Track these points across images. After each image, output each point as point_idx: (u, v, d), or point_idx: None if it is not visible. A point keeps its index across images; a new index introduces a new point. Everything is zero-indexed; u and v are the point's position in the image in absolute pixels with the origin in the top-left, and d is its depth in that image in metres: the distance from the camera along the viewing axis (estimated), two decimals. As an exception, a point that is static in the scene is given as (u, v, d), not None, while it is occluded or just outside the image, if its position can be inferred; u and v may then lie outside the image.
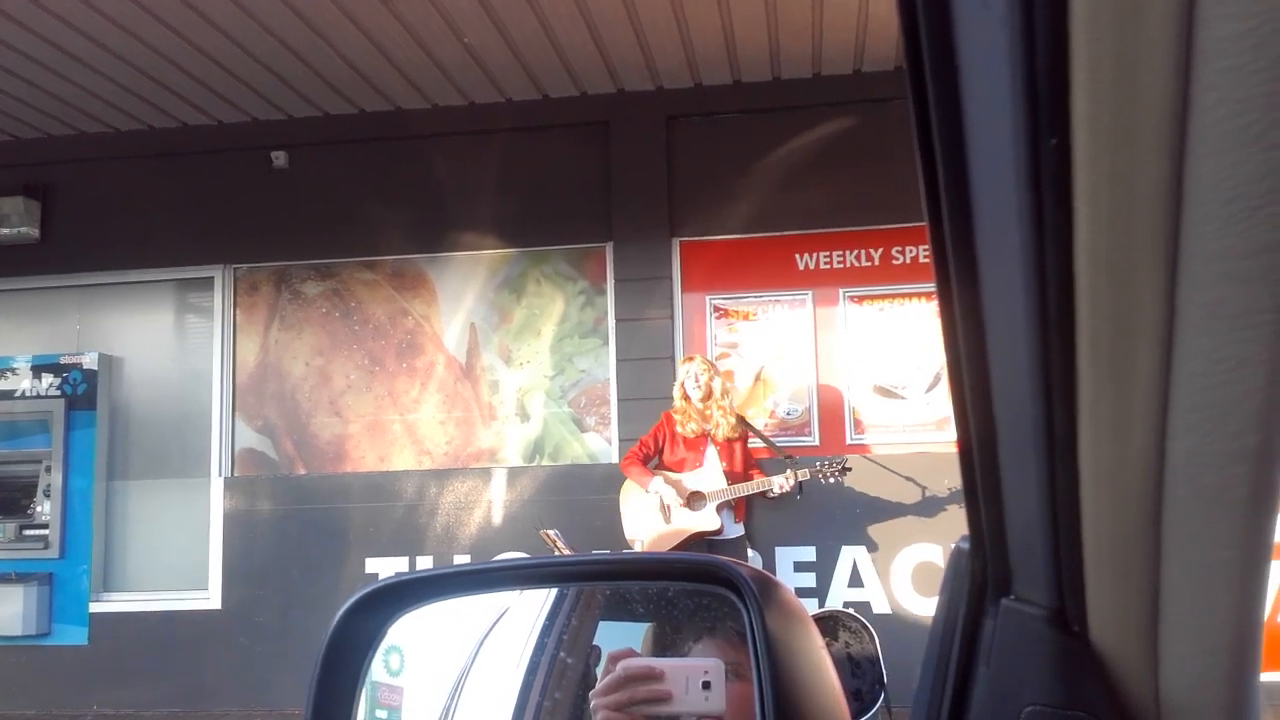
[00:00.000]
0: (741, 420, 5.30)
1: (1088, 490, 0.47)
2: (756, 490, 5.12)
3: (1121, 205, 0.39)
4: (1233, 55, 0.35)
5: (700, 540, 5.05)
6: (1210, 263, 0.39)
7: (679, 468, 5.18)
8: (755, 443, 5.41)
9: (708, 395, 5.20)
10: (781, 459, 5.24)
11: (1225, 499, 0.44)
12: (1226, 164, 0.37)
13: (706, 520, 5.05)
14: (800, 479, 5.04)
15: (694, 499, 5.09)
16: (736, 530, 5.19)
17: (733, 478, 5.12)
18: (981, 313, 0.49)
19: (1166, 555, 0.47)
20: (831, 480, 5.16)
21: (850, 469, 5.22)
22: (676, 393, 5.32)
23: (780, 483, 5.03)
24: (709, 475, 5.11)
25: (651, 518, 5.16)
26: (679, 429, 5.23)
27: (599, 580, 1.03)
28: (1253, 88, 0.35)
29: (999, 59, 0.40)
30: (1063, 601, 0.52)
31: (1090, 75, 0.37)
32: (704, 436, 5.18)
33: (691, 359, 5.33)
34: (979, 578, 0.58)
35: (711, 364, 5.34)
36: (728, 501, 5.11)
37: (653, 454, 5.30)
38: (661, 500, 5.11)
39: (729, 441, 5.18)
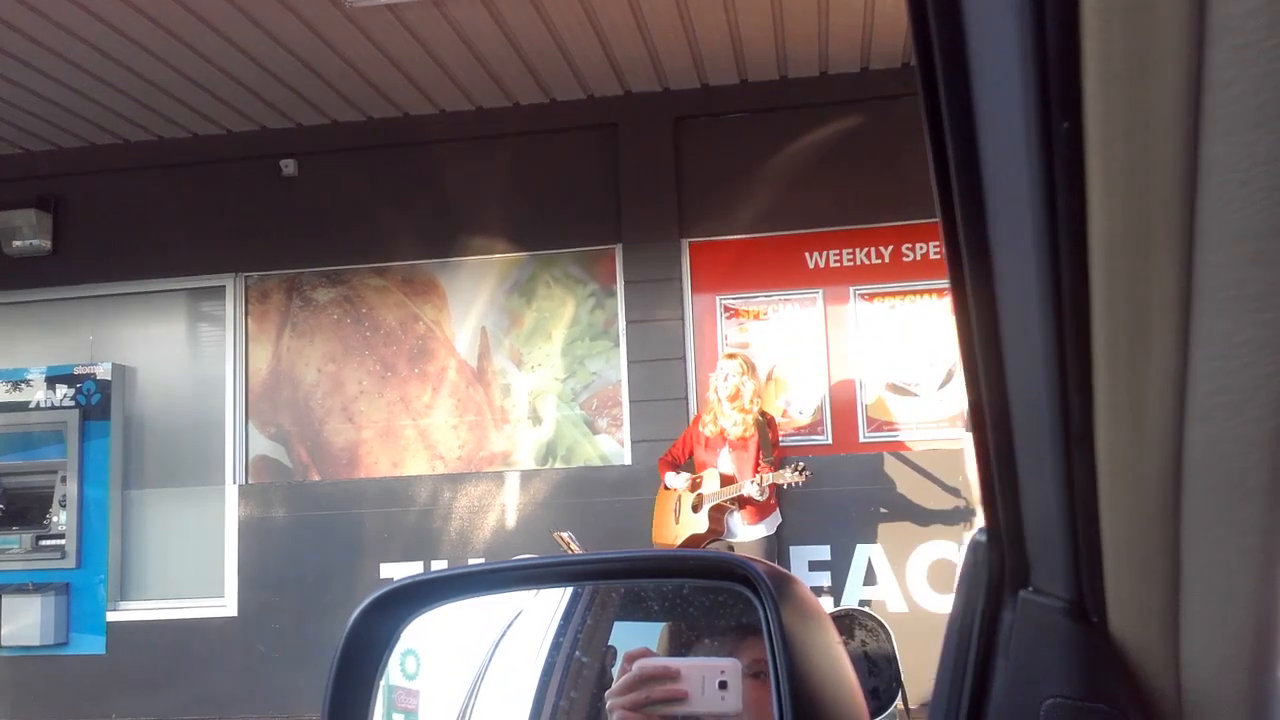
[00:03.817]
0: (759, 423, 5.13)
1: (1105, 479, 0.47)
2: (734, 494, 5.00)
3: (1135, 188, 0.39)
4: (1246, 33, 0.35)
5: (693, 542, 5.01)
6: (1226, 245, 0.39)
7: (701, 469, 5.16)
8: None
9: (734, 397, 5.08)
10: (768, 460, 5.16)
11: (1245, 485, 0.44)
12: (1241, 144, 0.36)
13: (698, 523, 5.02)
14: (765, 483, 4.91)
15: (698, 501, 5.08)
16: (754, 533, 5.06)
17: (735, 480, 5.05)
18: (995, 302, 0.49)
19: (1186, 544, 0.47)
20: (794, 485, 4.93)
21: (810, 473, 4.91)
22: (710, 387, 5.27)
23: (748, 488, 4.94)
24: (710, 478, 5.08)
25: (667, 519, 5.17)
26: (701, 428, 5.21)
27: (613, 579, 1.02)
28: (1266, 65, 0.35)
29: (1009, 43, 0.40)
30: (1081, 592, 0.51)
31: (1101, 56, 0.37)
32: (721, 436, 5.13)
33: (733, 357, 5.19)
34: (997, 570, 0.58)
35: (751, 368, 5.18)
36: (726, 504, 5.05)
37: (679, 455, 5.26)
38: (680, 500, 5.11)
39: (743, 440, 5.08)
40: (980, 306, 0.49)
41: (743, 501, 5.03)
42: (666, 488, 5.21)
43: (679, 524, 5.10)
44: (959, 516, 5.52)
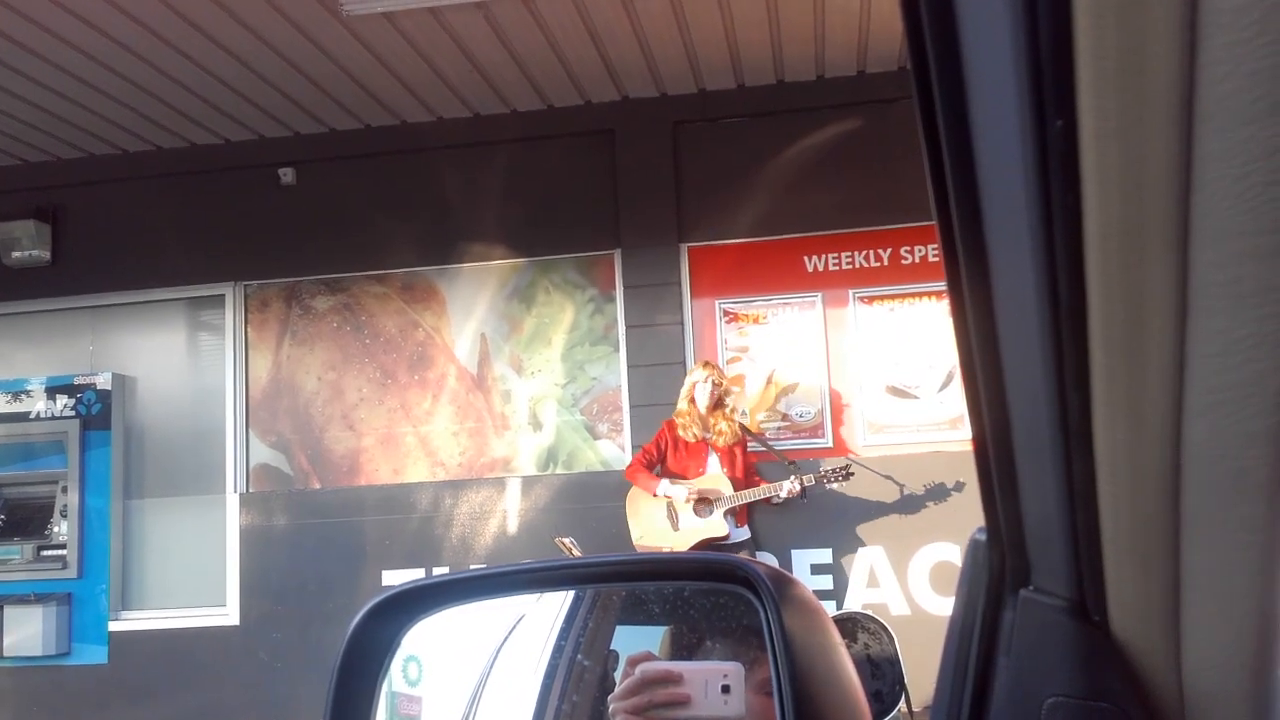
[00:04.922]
0: (744, 428, 5.35)
1: (1104, 478, 0.47)
2: (763, 496, 5.15)
3: (1131, 186, 0.39)
4: (1238, 29, 0.35)
5: (706, 546, 5.08)
6: (1223, 241, 0.39)
7: (682, 474, 5.21)
8: (754, 446, 5.45)
9: (717, 405, 5.23)
10: (784, 465, 5.27)
11: (1244, 482, 0.44)
12: (1236, 140, 0.36)
13: (715, 526, 5.08)
14: (805, 484, 5.07)
15: (700, 505, 5.13)
16: (741, 535, 5.22)
17: (734, 483, 5.16)
18: (992, 303, 0.49)
19: (1186, 541, 0.47)
20: (835, 485, 5.21)
21: (853, 473, 5.22)
22: (683, 395, 5.33)
23: (789, 487, 5.08)
24: (714, 481, 5.13)
25: (659, 525, 5.18)
26: (681, 434, 5.25)
27: (614, 582, 1.02)
28: (1260, 61, 0.35)
29: (1002, 41, 0.40)
30: (1082, 591, 0.51)
31: (1094, 53, 0.37)
32: (704, 443, 5.22)
33: (707, 365, 5.34)
34: (997, 569, 0.58)
35: (722, 374, 5.37)
36: (731, 507, 5.14)
37: (656, 461, 5.32)
38: (671, 506, 5.13)
39: (729, 448, 5.22)
40: (977, 306, 0.49)
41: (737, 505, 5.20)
42: (658, 495, 5.21)
43: (679, 529, 5.13)
44: (960, 519, 5.51)
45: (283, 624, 6.04)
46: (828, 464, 5.27)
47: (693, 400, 5.26)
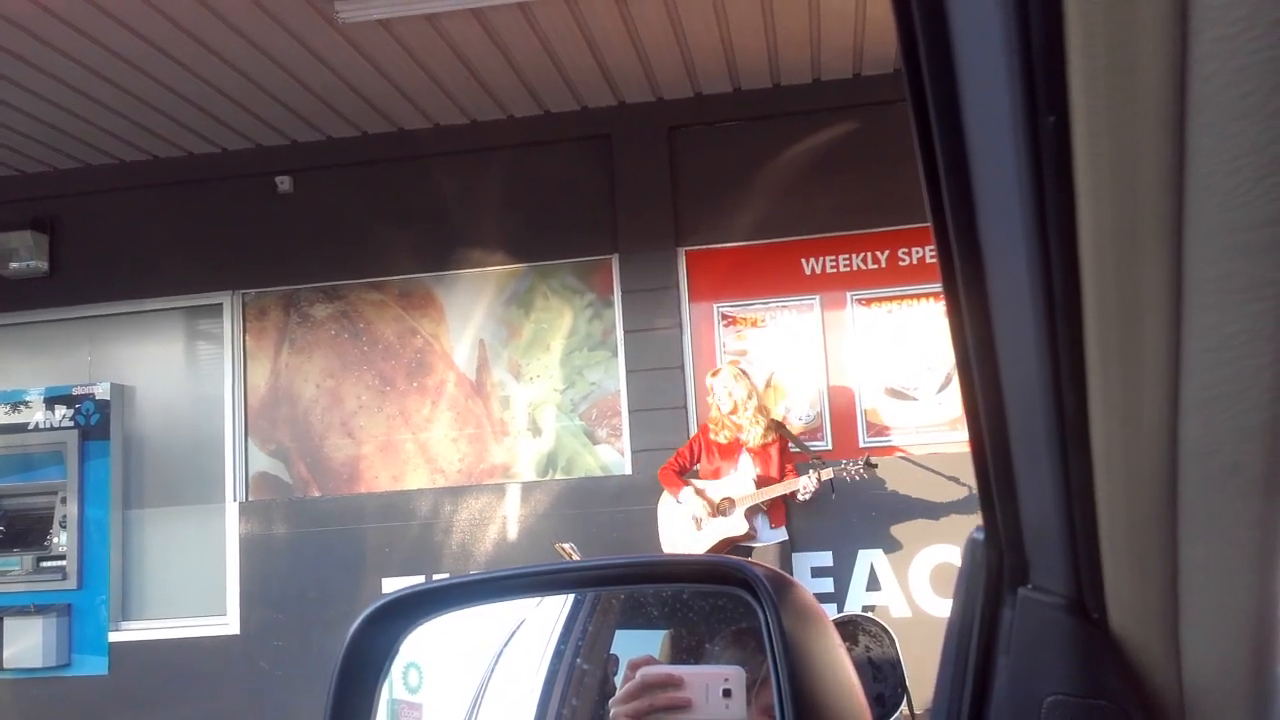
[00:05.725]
0: (775, 425, 5.29)
1: (1101, 475, 0.47)
2: (783, 492, 5.11)
3: (1123, 182, 0.39)
4: (1227, 24, 0.35)
5: (737, 547, 5.05)
6: (1215, 236, 0.39)
7: (715, 476, 5.21)
8: (795, 448, 5.42)
9: (736, 410, 5.20)
10: (811, 460, 5.27)
11: (1240, 477, 0.44)
12: (1227, 135, 0.36)
13: (735, 526, 5.06)
14: (825, 478, 5.05)
15: (724, 505, 5.11)
16: (775, 536, 5.16)
17: (767, 482, 5.12)
18: (988, 301, 0.49)
19: (1183, 538, 0.47)
20: (858, 478, 5.16)
21: (876, 465, 5.21)
22: (711, 406, 5.35)
23: (805, 484, 5.03)
24: (739, 481, 5.13)
25: (684, 527, 5.17)
26: (713, 437, 5.25)
27: (612, 585, 1.02)
28: (1249, 56, 0.35)
29: (994, 39, 0.40)
30: (1081, 589, 0.51)
31: (1085, 50, 0.37)
32: (737, 444, 5.20)
33: (718, 372, 5.34)
34: (995, 568, 0.58)
35: (741, 372, 5.32)
36: (759, 506, 5.10)
37: (689, 464, 5.32)
38: (693, 509, 5.14)
39: (764, 447, 5.18)
40: (973, 305, 0.49)
41: (771, 504, 5.14)
42: (679, 502, 5.20)
43: (702, 529, 5.11)
44: (960, 520, 5.51)
45: (283, 632, 6.03)
46: (848, 461, 5.24)
47: (718, 408, 5.27)
